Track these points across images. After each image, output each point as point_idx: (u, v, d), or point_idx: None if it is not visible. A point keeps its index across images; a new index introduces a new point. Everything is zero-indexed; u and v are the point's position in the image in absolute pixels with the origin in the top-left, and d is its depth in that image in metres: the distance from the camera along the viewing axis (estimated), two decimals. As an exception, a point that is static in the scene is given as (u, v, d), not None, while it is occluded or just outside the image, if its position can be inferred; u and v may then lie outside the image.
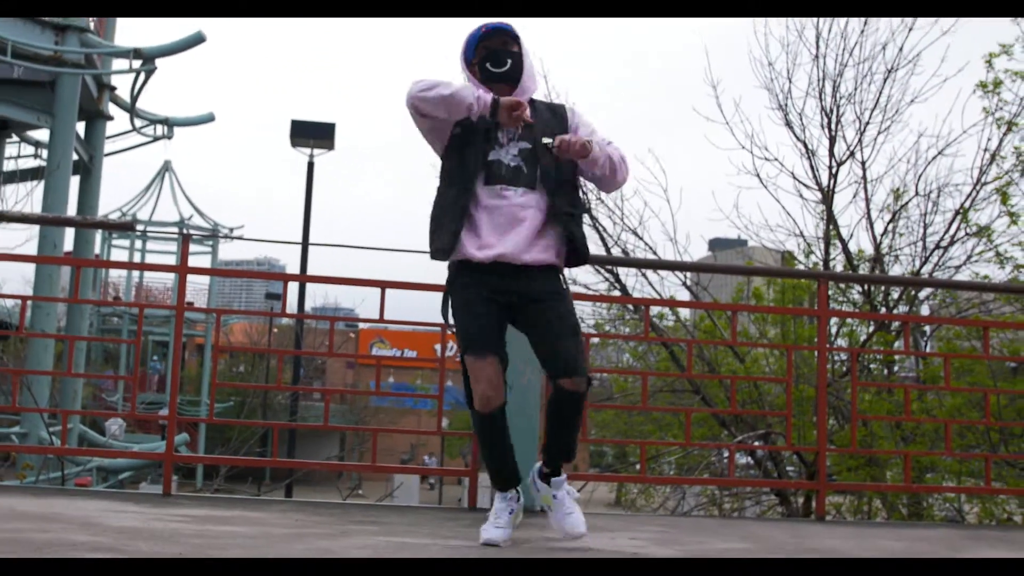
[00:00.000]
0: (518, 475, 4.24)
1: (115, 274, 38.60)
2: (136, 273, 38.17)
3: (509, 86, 4.14)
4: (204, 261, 34.54)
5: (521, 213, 4.05)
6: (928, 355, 11.32)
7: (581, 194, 4.31)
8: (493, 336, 4.09)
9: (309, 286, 20.86)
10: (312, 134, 19.77)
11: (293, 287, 22.04)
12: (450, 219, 4.06)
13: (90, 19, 13.84)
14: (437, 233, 4.12)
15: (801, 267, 12.32)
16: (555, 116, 4.26)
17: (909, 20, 11.49)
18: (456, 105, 4.02)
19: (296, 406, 22.77)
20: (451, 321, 4.23)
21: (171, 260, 33.39)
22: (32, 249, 12.84)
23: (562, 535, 4.05)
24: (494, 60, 4.12)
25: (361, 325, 45.27)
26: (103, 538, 3.88)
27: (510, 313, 4.15)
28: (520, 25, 4.20)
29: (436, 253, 4.15)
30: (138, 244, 35.01)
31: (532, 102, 4.20)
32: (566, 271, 4.32)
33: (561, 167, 4.12)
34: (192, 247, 33.71)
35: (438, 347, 21.02)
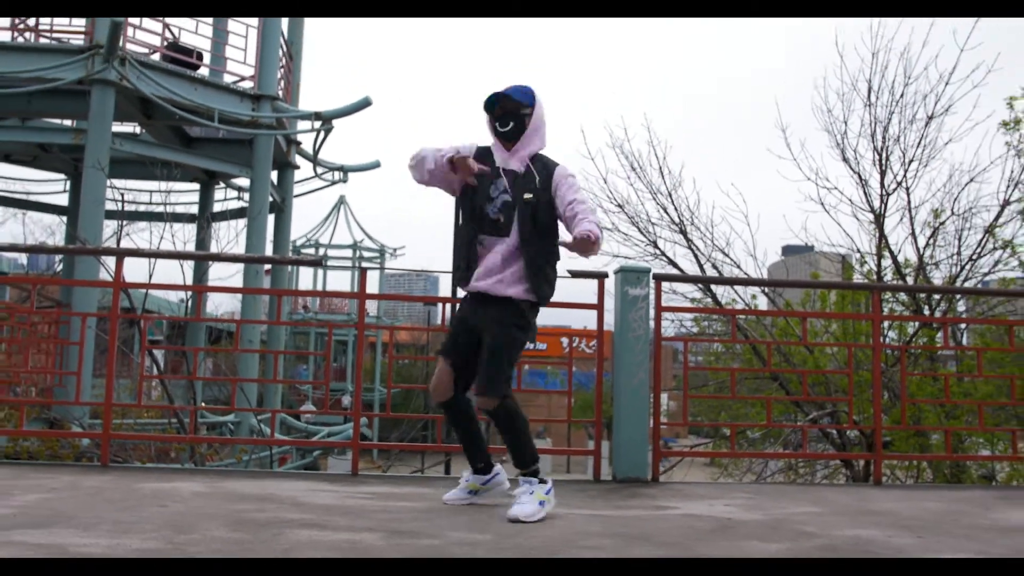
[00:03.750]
0: (481, 459, 4.50)
1: (303, 285, 39.56)
2: (320, 286, 38.95)
3: (512, 142, 4.31)
4: (374, 275, 35.32)
5: (494, 258, 4.24)
6: (964, 349, 11.26)
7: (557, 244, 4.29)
8: (452, 346, 4.35)
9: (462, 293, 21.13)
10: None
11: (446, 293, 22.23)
12: (462, 259, 4.35)
13: (279, 89, 14.38)
14: (455, 272, 4.44)
15: (857, 274, 12.65)
16: (545, 173, 4.30)
17: (946, 75, 11.71)
18: (421, 168, 4.31)
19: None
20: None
21: (348, 275, 34.14)
22: (239, 277, 13.52)
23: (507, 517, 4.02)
24: (501, 121, 4.29)
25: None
26: (310, 515, 4.00)
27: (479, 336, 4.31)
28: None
29: (456, 283, 4.46)
30: (322, 262, 35.85)
31: (535, 157, 4.32)
32: None
33: (538, 220, 4.22)
34: (364, 264, 34.64)
35: (565, 340, 21.16)
